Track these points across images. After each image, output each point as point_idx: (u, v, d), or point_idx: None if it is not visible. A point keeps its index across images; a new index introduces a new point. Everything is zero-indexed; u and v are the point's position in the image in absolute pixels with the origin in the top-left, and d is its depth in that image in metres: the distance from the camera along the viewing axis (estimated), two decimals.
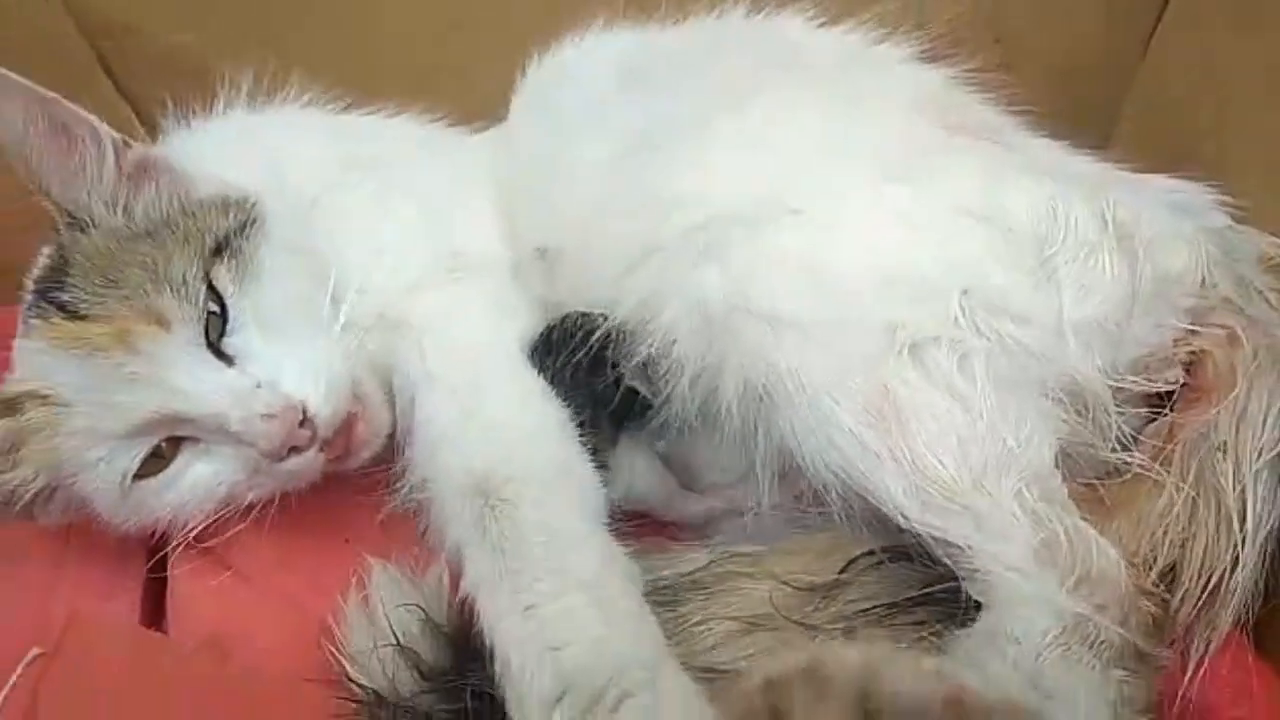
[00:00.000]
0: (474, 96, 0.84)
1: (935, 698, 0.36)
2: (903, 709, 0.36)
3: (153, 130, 0.86)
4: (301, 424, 0.60)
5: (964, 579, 0.53)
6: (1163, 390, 0.60)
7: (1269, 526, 0.56)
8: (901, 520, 0.54)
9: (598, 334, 0.66)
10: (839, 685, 0.35)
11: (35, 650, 0.53)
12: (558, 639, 0.52)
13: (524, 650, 0.53)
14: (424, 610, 0.60)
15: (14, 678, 0.52)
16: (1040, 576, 0.50)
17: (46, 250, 0.69)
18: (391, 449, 0.68)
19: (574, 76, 0.75)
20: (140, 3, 0.93)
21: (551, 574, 0.55)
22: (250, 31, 0.94)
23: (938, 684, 0.37)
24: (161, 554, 0.68)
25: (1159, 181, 0.68)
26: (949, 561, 0.53)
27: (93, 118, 0.65)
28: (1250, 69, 0.71)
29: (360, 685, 0.58)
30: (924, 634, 0.52)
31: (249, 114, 0.77)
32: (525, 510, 0.58)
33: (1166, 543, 0.55)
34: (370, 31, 0.95)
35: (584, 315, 0.69)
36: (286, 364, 0.62)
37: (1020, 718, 0.37)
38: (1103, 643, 0.49)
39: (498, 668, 0.54)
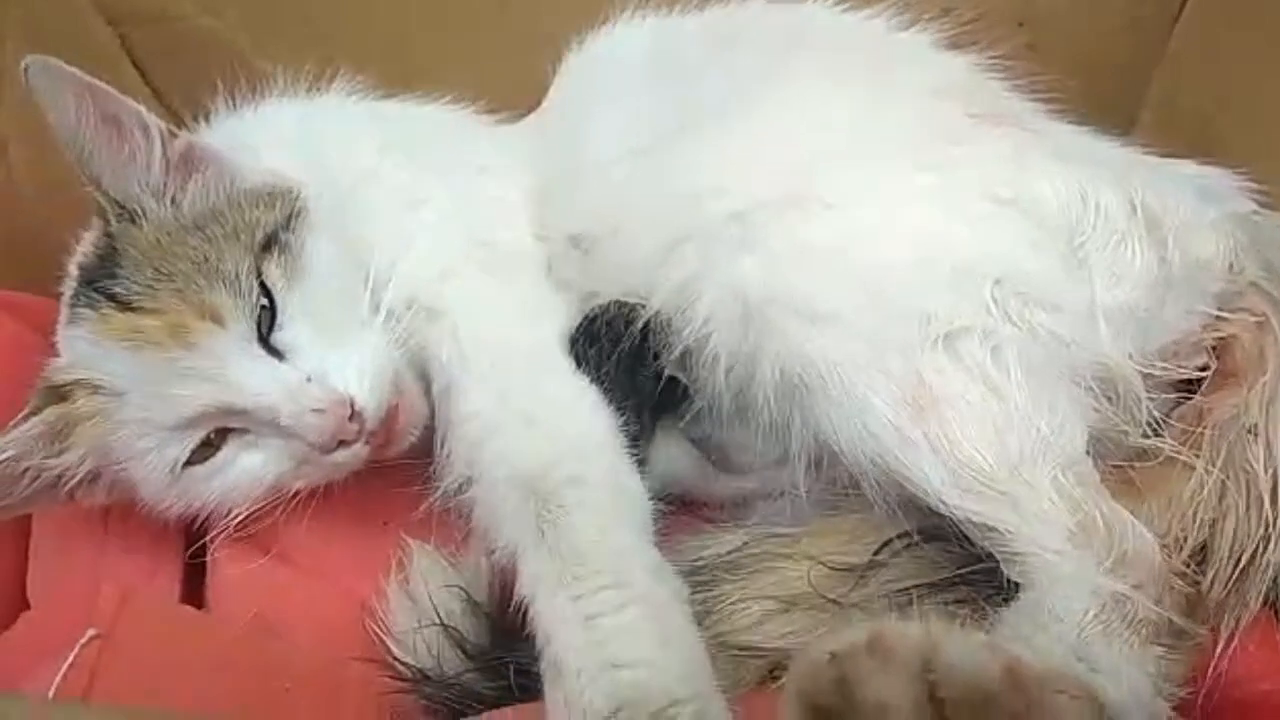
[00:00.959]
0: (505, 86, 0.84)
1: (992, 668, 0.38)
2: (962, 679, 0.37)
3: (175, 118, 0.87)
4: (350, 418, 0.62)
5: (1003, 561, 0.54)
6: (1192, 376, 0.61)
7: None
8: (940, 506, 0.55)
9: (639, 324, 0.67)
10: (902, 656, 0.37)
11: (91, 631, 0.55)
12: (618, 656, 0.53)
13: (582, 660, 0.53)
14: (465, 591, 0.61)
15: (71, 657, 0.53)
16: (1078, 558, 0.52)
17: (90, 239, 0.70)
18: (427, 440, 0.69)
19: (607, 65, 0.76)
20: None
21: (613, 585, 0.55)
22: (276, 18, 0.95)
23: (993, 655, 0.38)
24: (200, 540, 0.69)
25: (1185, 167, 0.68)
26: (987, 545, 0.55)
27: (140, 107, 0.66)
28: (1270, 55, 0.72)
29: (405, 664, 0.59)
30: (960, 613, 0.53)
31: (294, 102, 0.78)
32: (582, 517, 0.58)
33: (1197, 523, 0.56)
34: (401, 16, 0.95)
35: (625, 305, 0.69)
36: (334, 358, 0.63)
37: (1071, 686, 0.38)
38: (1140, 620, 0.50)
39: (548, 667, 0.55)
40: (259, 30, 0.94)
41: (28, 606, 0.67)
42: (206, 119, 0.79)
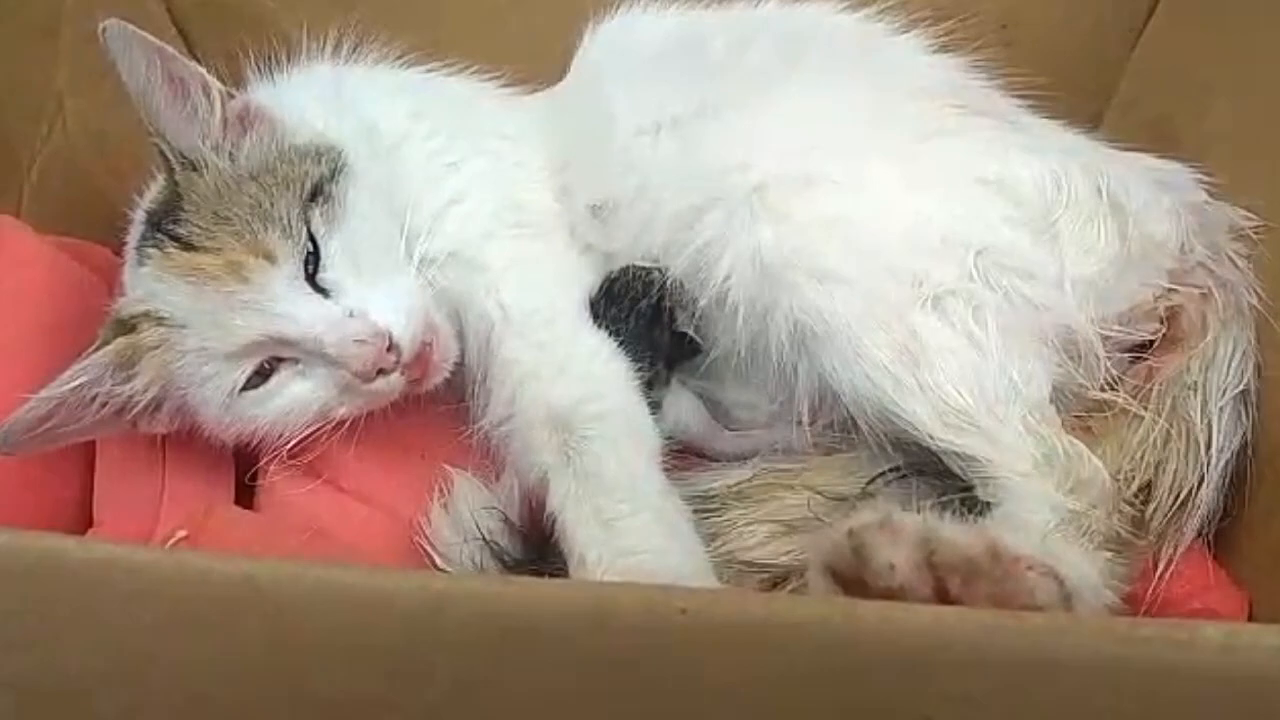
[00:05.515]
0: (531, 58, 0.90)
1: (979, 543, 0.46)
2: (953, 550, 0.46)
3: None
4: (388, 349, 0.68)
5: (978, 485, 0.63)
6: (1144, 339, 0.69)
7: (1229, 453, 0.66)
8: (928, 440, 0.64)
9: (656, 285, 0.75)
10: (908, 532, 0.45)
11: (181, 532, 0.61)
12: (632, 547, 0.61)
13: (600, 550, 0.62)
14: (502, 512, 0.69)
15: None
16: (1042, 480, 0.61)
17: (153, 191, 0.76)
18: (462, 383, 0.76)
19: (633, 43, 0.82)
20: None
21: (628, 499, 0.63)
22: None
23: (979, 535, 0.47)
24: (254, 469, 0.75)
25: (1145, 160, 0.76)
26: (966, 472, 0.63)
27: (203, 70, 0.72)
28: (1229, 59, 0.80)
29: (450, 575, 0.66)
30: None
31: (328, 68, 0.83)
32: (602, 446, 0.66)
33: (1144, 464, 0.64)
34: None
35: (642, 269, 0.76)
36: (373, 296, 0.70)
37: (1039, 565, 0.47)
38: (1094, 531, 0.59)
39: (574, 564, 0.62)
40: (296, 1, 0.99)
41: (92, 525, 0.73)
42: (240, 85, 0.83)
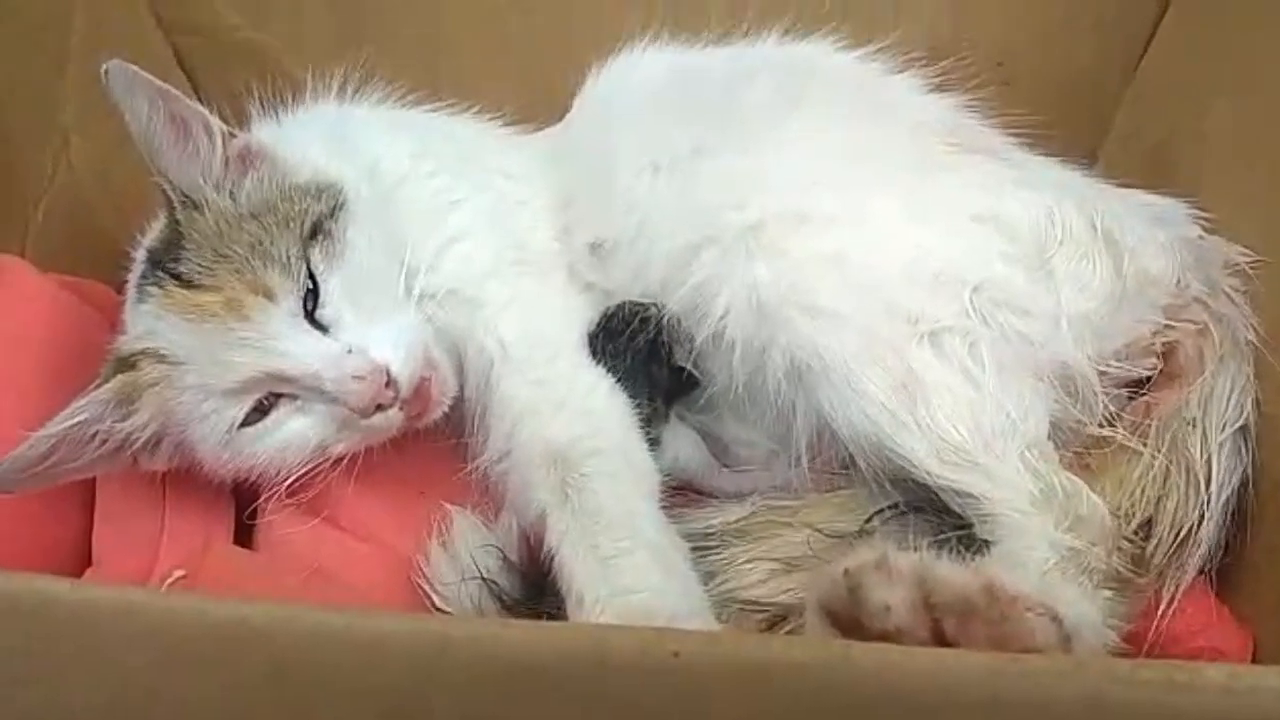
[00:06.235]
0: (532, 98, 0.92)
1: (976, 583, 0.46)
2: (950, 590, 0.45)
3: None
4: (386, 385, 0.68)
5: (976, 522, 0.62)
6: (1142, 375, 0.69)
7: (1230, 489, 0.65)
8: (925, 477, 0.63)
9: (653, 321, 0.75)
10: (903, 572, 0.45)
11: (179, 571, 0.61)
12: (629, 585, 0.61)
13: (598, 589, 0.61)
14: (501, 550, 0.68)
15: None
16: (1041, 517, 0.60)
17: (155, 229, 0.77)
18: (461, 420, 0.76)
19: (635, 82, 0.83)
20: (219, 1, 1.01)
21: (626, 536, 0.63)
22: (317, 32, 1.02)
23: (976, 574, 0.46)
24: (249, 508, 0.75)
25: (1140, 196, 0.77)
26: (963, 509, 0.63)
27: (205, 110, 0.73)
28: (1223, 90, 0.80)
29: (448, 615, 0.66)
30: None
31: (332, 107, 0.84)
32: (601, 483, 0.66)
33: (1144, 500, 0.64)
34: (434, 31, 1.02)
35: (639, 304, 0.77)
36: (372, 333, 0.70)
37: (1037, 606, 0.46)
38: (1093, 569, 0.59)
39: (571, 603, 0.62)
40: (301, 43, 1.01)
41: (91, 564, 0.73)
42: (244, 124, 0.84)
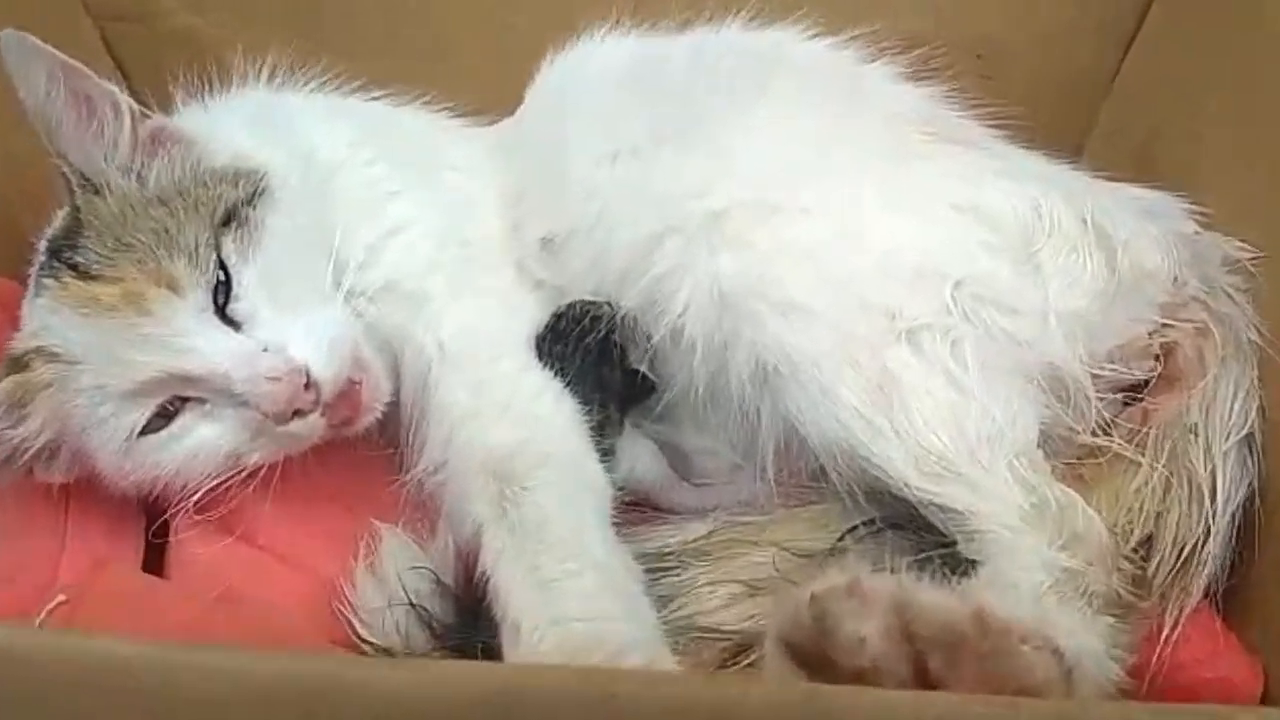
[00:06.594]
0: (487, 87, 0.86)
1: (963, 612, 0.39)
2: (934, 620, 0.39)
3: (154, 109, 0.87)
4: (305, 387, 0.62)
5: (961, 540, 0.56)
6: (1138, 379, 0.64)
7: (1236, 502, 0.60)
8: (903, 489, 0.58)
9: (605, 320, 0.69)
10: (879, 598, 0.38)
11: (60, 597, 0.54)
12: (572, 612, 0.54)
13: (536, 617, 0.55)
14: (433, 572, 0.61)
15: (38, 621, 0.52)
16: (1033, 534, 0.54)
17: (60, 214, 0.70)
18: (397, 427, 0.70)
19: (590, 72, 0.78)
20: None
21: (570, 557, 0.57)
22: (259, 17, 0.96)
23: (963, 601, 0.40)
24: (160, 521, 0.68)
25: (1130, 190, 0.72)
26: (946, 525, 0.57)
27: (114, 88, 0.67)
28: (1217, 86, 0.76)
29: (372, 644, 0.59)
30: None
31: (265, 93, 0.79)
32: (543, 497, 0.60)
33: (1143, 516, 0.59)
34: (386, 16, 0.97)
35: (591, 302, 0.71)
36: (291, 329, 0.64)
37: (1033, 638, 0.40)
38: (1092, 592, 0.53)
39: (506, 632, 0.55)
40: (241, 29, 0.95)
41: None
42: (185, 106, 0.79)
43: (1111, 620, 0.52)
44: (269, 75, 0.81)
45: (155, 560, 0.69)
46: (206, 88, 0.80)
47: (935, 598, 0.40)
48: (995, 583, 0.51)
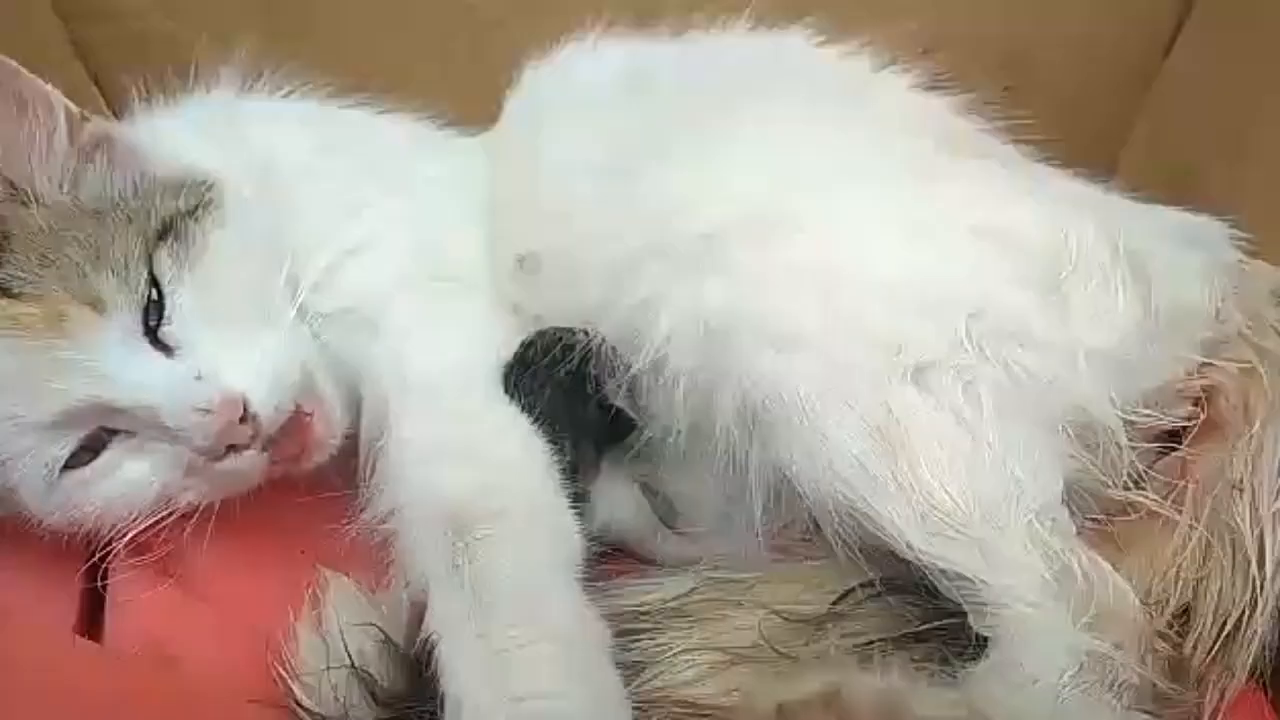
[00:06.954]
0: (472, 95, 0.81)
1: None
2: None
3: (121, 115, 0.83)
4: (242, 420, 0.56)
5: (972, 613, 0.50)
6: (1176, 426, 0.58)
7: None
8: (906, 551, 0.51)
9: (578, 349, 0.64)
10: (862, 713, 0.32)
11: None
12: (522, 689, 0.49)
13: (480, 695, 0.49)
14: (382, 630, 0.55)
15: None
16: (1054, 611, 0.48)
17: None
18: (354, 467, 0.64)
19: (573, 80, 0.73)
20: None
21: (525, 622, 0.51)
22: (235, 22, 0.91)
23: (966, 715, 0.33)
24: (101, 563, 0.63)
25: (1169, 213, 0.67)
26: (955, 594, 0.50)
27: (49, 88, 0.62)
28: (1259, 99, 0.71)
29: (308, 710, 0.53)
30: (926, 670, 0.48)
31: (228, 97, 0.74)
32: (500, 551, 0.54)
33: (1180, 584, 0.52)
34: (366, 22, 0.93)
35: (564, 330, 0.65)
36: (229, 356, 0.58)
37: None
38: (1122, 683, 0.46)
39: (448, 710, 0.50)
40: (218, 31, 0.90)
41: None
42: (138, 111, 0.74)
43: (1146, 717, 0.45)
44: (240, 79, 0.77)
45: (99, 604, 0.64)
46: (168, 92, 0.76)
47: (932, 708, 0.33)
48: (1007, 674, 0.45)
